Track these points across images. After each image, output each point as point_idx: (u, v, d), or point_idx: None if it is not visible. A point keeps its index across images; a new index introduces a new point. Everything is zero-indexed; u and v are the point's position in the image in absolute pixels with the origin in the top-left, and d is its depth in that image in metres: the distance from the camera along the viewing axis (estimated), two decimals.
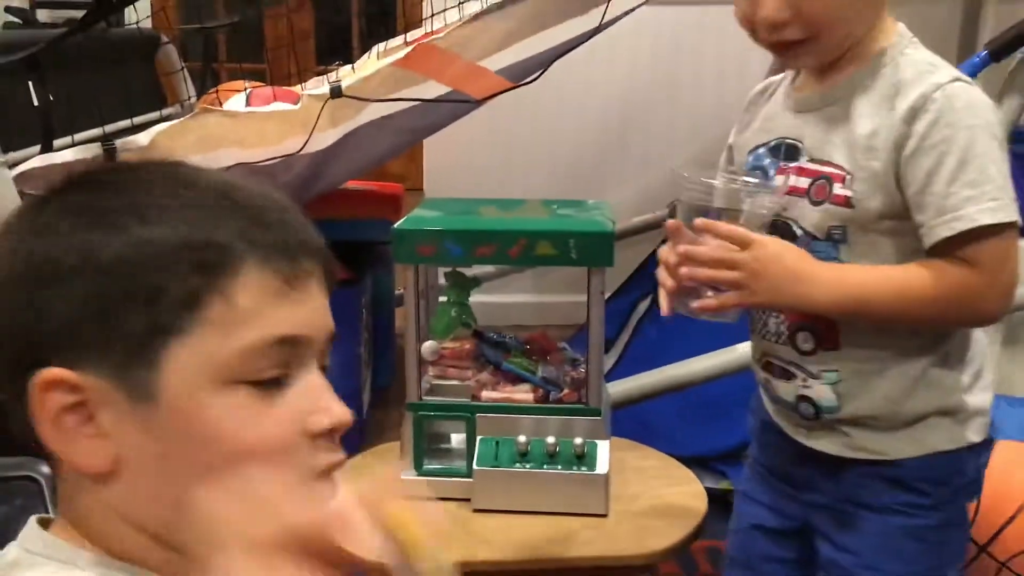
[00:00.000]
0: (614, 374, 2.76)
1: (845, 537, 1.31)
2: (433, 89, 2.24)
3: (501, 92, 2.23)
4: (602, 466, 1.57)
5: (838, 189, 1.22)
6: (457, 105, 2.27)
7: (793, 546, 1.40)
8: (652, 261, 3.10)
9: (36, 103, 2.09)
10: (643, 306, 2.96)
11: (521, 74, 2.25)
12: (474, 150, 3.57)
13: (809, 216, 1.24)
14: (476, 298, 1.77)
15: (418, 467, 1.64)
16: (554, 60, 2.25)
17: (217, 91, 2.54)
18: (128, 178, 0.71)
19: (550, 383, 1.63)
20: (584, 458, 1.58)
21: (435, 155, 3.67)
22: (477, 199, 1.82)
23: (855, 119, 1.23)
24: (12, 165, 2.10)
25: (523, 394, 1.63)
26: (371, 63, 2.32)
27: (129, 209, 0.66)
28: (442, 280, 1.85)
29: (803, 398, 1.29)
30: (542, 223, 1.59)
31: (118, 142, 2.16)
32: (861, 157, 1.21)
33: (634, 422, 2.30)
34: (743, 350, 2.17)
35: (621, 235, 3.57)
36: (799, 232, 1.25)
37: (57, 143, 2.16)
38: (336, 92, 2.16)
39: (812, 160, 1.26)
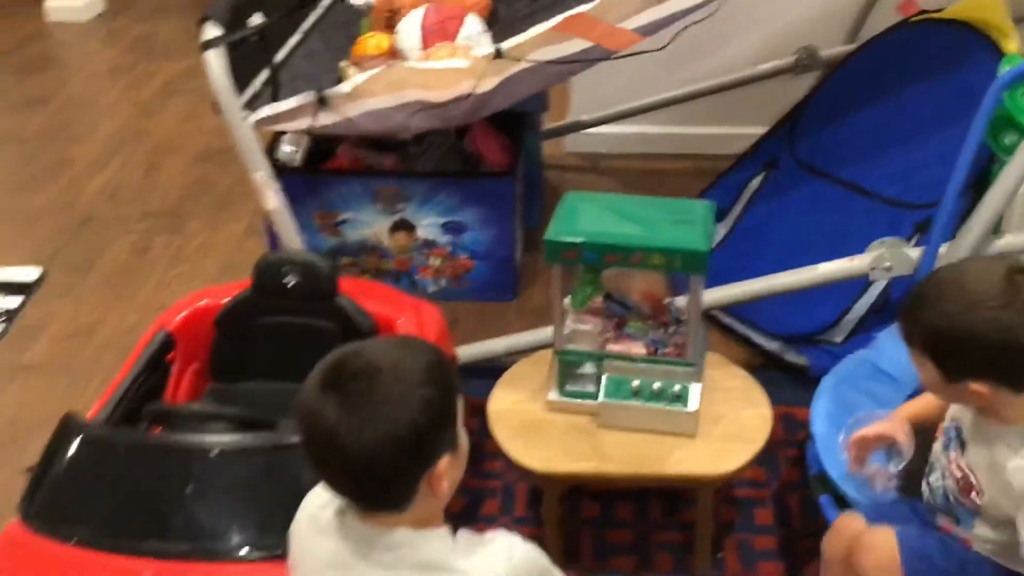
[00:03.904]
0: (725, 245, 3.24)
1: None
2: (577, 44, 2.69)
3: (632, 47, 2.68)
4: (693, 404, 2.20)
5: (973, 496, 1.52)
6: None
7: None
8: (766, 141, 3.47)
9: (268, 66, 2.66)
10: (756, 182, 3.34)
11: (651, 30, 2.67)
12: None
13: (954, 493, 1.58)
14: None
15: (561, 390, 2.30)
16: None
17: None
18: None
19: (658, 343, 2.23)
20: (681, 398, 2.20)
21: None
22: (609, 199, 2.36)
23: (1006, 449, 1.44)
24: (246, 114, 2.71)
25: (638, 348, 2.24)
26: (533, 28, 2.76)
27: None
28: None
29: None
30: (656, 239, 2.12)
31: (327, 91, 2.73)
32: (996, 489, 1.46)
33: None
34: (825, 269, 2.68)
35: (745, 82, 3.92)
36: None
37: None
38: (498, 54, 2.65)
39: (968, 462, 1.52)
